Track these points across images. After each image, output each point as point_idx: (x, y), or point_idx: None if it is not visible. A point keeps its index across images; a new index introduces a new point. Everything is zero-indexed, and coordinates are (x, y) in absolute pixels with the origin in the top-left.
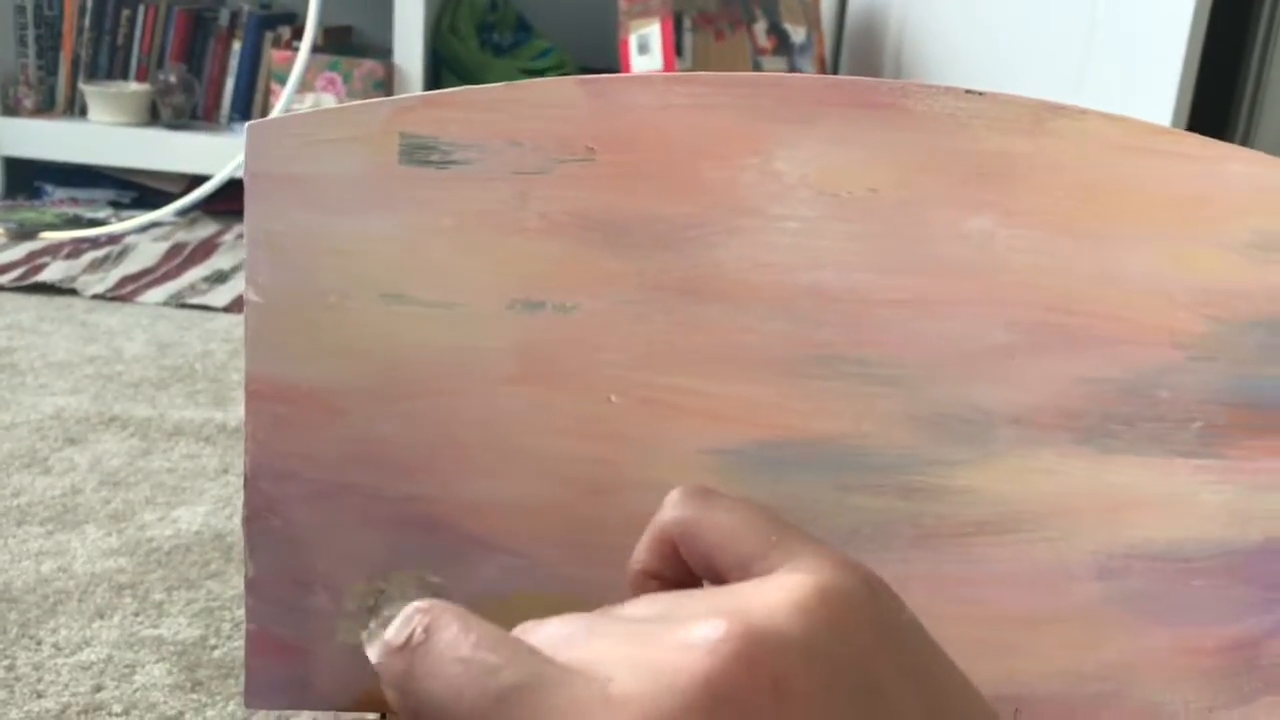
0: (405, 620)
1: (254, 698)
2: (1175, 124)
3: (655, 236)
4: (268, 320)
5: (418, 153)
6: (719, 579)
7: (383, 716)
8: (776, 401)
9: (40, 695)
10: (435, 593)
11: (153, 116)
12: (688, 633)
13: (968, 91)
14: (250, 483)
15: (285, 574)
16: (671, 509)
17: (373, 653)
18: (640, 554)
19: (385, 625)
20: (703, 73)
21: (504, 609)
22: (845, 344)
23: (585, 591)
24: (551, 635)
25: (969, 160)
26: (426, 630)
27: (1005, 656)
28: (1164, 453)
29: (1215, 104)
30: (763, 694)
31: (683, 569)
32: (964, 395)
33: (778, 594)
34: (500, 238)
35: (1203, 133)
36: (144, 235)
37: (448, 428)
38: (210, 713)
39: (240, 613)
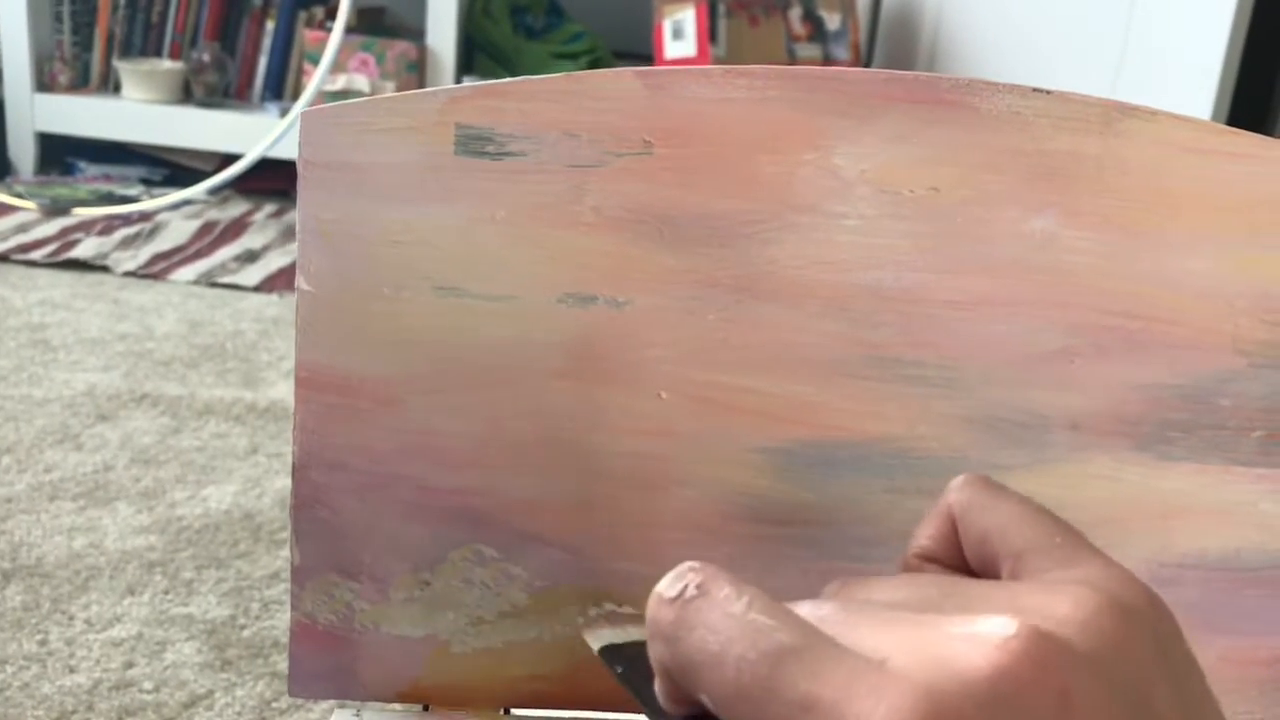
0: (679, 575)
1: (298, 687)
2: (1214, 122)
3: (710, 232)
4: (320, 310)
5: (473, 143)
6: (990, 567)
7: (426, 708)
8: (829, 402)
9: (72, 670)
10: (494, 567)
11: (186, 95)
12: (975, 625)
13: (1034, 90)
14: (299, 472)
15: (332, 564)
16: (957, 490)
17: (593, 640)
18: (920, 536)
19: (609, 619)
20: (762, 66)
21: (548, 601)
22: (901, 345)
23: (632, 587)
24: (808, 614)
25: (1033, 160)
26: (699, 587)
27: None
28: (1223, 461)
29: (1253, 102)
30: (1047, 701)
31: (958, 557)
32: (1021, 399)
33: (1066, 603)
34: (554, 231)
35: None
36: (175, 213)
37: (498, 421)
38: (239, 692)
39: (269, 593)
